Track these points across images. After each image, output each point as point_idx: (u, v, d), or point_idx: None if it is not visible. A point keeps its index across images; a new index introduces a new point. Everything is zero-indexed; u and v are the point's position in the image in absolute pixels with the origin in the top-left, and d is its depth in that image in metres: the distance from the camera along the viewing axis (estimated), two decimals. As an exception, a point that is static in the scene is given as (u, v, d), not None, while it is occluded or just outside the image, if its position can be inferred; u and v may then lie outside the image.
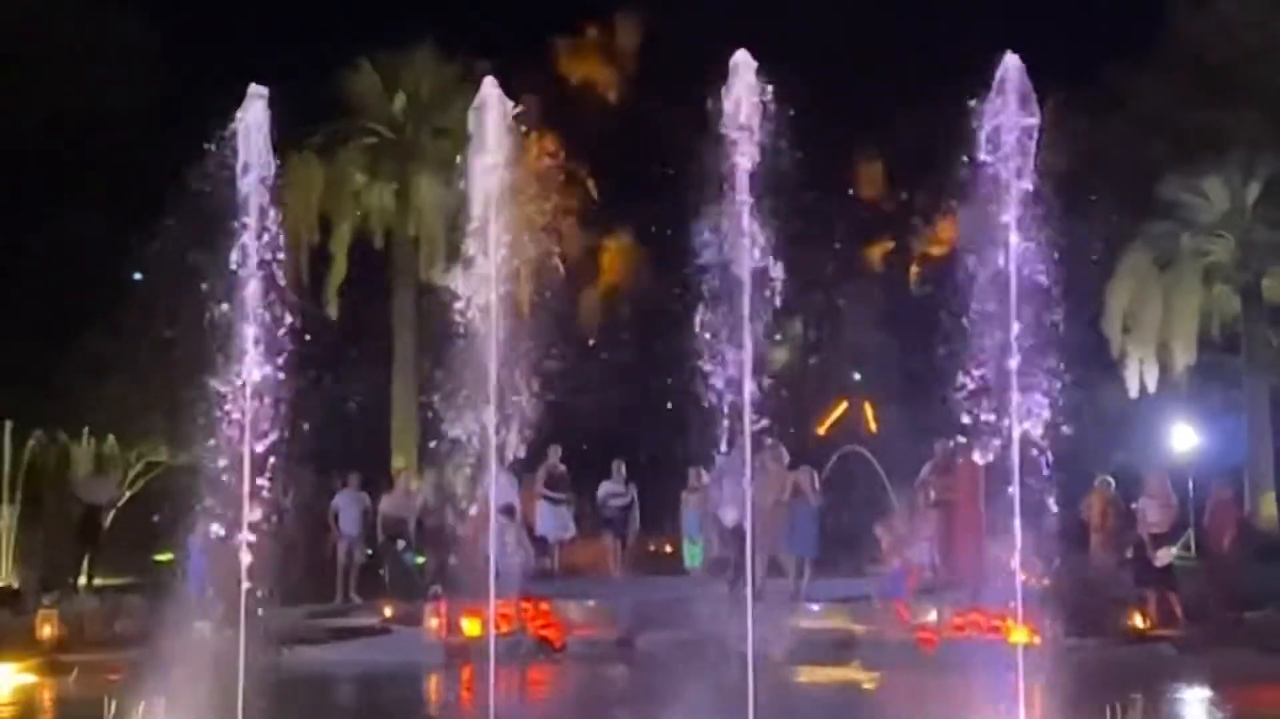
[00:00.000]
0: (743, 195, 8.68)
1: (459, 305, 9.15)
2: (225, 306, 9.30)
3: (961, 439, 17.54)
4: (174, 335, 22.46)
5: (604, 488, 21.87)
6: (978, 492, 16.17)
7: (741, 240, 8.64)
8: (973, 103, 9.26)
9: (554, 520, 21.22)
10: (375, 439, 29.46)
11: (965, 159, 9.28)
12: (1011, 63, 9.10)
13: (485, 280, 9.15)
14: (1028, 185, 8.97)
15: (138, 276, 26.90)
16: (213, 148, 9.50)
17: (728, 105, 8.73)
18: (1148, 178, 29.65)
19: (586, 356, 33.91)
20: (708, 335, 8.69)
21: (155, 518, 19.29)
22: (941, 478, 18.85)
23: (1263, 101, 29.73)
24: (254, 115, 9.33)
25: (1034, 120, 9.07)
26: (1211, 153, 29.50)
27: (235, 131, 9.34)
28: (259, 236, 9.27)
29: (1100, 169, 29.86)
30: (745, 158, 8.66)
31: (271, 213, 9.31)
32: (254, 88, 9.41)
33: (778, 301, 8.82)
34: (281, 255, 9.43)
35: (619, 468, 21.91)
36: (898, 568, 17.71)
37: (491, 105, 9.28)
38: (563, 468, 21.53)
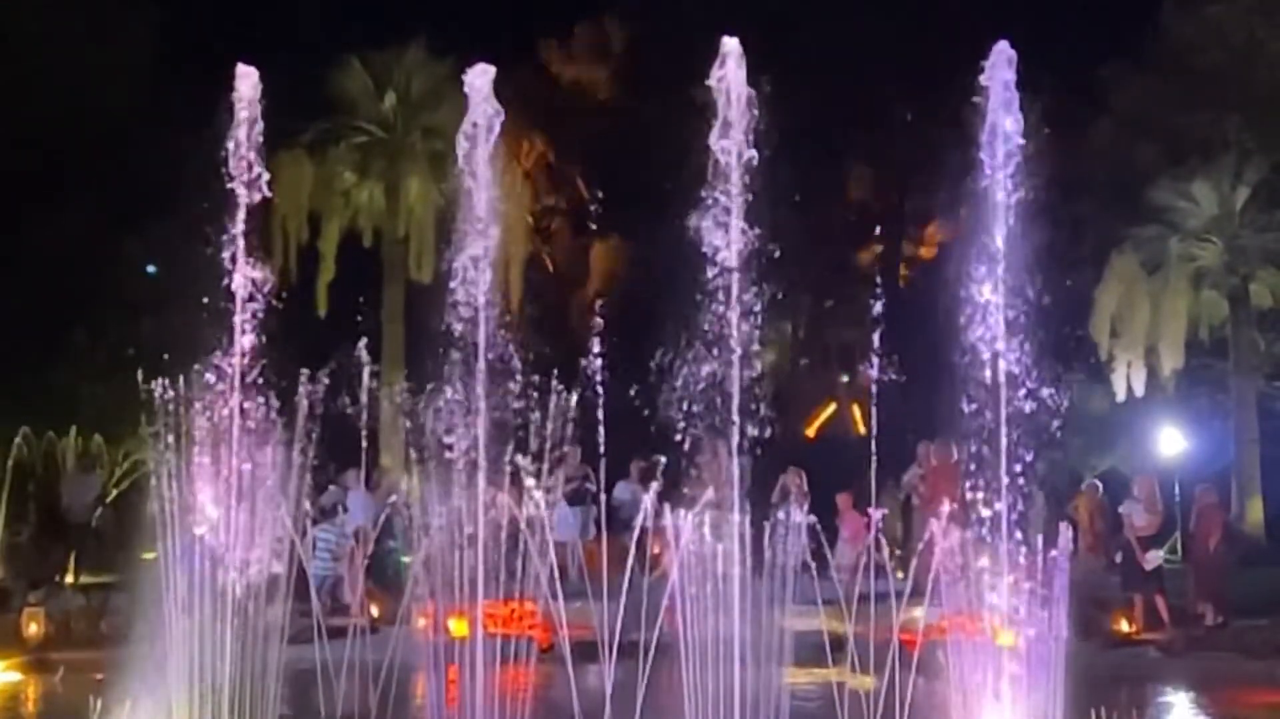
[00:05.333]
0: (733, 193, 8.66)
1: (448, 305, 9.13)
2: (214, 303, 9.28)
3: (937, 441, 17.63)
4: (162, 333, 22.43)
5: (617, 489, 21.79)
6: (951, 493, 16.16)
7: (730, 240, 8.63)
8: (964, 104, 9.26)
9: (563, 524, 21.14)
10: (362, 438, 29.37)
11: (956, 160, 9.27)
12: (1002, 52, 9.04)
13: (475, 280, 9.12)
14: (1017, 186, 8.97)
15: (151, 269, 26.81)
16: (204, 133, 9.49)
17: (717, 90, 8.61)
18: (1136, 182, 29.72)
19: (576, 356, 33.88)
20: (696, 336, 8.68)
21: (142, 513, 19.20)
22: (920, 479, 18.94)
23: (1252, 106, 29.81)
24: (244, 92, 9.29)
25: (1022, 119, 9.06)
26: (1200, 157, 29.60)
27: (226, 113, 9.32)
28: (248, 226, 9.24)
29: (1089, 173, 29.95)
30: (734, 153, 8.62)
31: (259, 199, 9.28)
32: (241, 67, 9.37)
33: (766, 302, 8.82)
34: (272, 248, 9.43)
35: (636, 469, 21.77)
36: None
37: (481, 93, 9.18)
38: (583, 469, 21.38)
